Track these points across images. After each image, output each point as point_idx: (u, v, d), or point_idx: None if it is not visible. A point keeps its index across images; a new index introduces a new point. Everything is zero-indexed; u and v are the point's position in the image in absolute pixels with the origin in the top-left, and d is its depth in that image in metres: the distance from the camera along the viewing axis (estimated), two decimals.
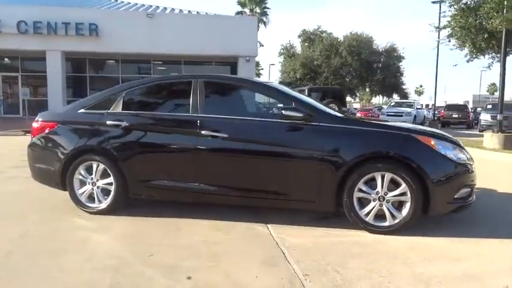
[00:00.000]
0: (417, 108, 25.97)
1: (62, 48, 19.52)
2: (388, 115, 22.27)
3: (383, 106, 32.68)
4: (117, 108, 4.11)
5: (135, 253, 3.03)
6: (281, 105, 3.82)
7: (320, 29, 36.43)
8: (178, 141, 3.85)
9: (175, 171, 3.87)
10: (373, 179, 3.46)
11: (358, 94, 40.86)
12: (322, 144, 3.51)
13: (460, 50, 12.20)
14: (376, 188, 3.44)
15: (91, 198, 4.09)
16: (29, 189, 5.20)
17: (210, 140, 3.72)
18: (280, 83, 23.13)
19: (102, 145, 3.99)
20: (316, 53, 33.28)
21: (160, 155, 3.93)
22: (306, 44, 36.64)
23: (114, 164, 3.95)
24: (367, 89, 36.33)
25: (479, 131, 19.18)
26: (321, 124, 3.57)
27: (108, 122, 3.99)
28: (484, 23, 10.99)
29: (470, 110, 27.49)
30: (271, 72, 44.34)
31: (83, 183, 4.10)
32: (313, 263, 2.85)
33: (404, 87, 36.28)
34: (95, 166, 4.03)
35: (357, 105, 54.42)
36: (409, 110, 23.41)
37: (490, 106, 24.03)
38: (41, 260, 2.91)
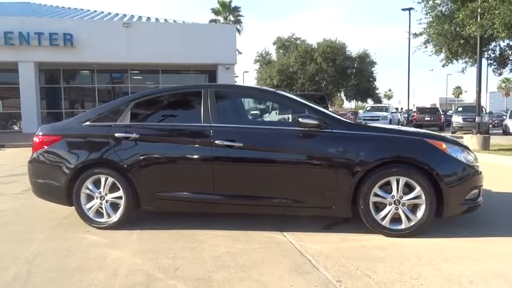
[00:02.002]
0: (392, 112, 26.70)
1: (35, 59, 18.97)
2: (365, 119, 22.77)
3: (359, 111, 33.36)
4: (125, 120, 4.03)
5: (160, 268, 2.97)
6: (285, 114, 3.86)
7: (294, 36, 36.95)
8: (191, 152, 3.81)
9: (189, 182, 3.82)
10: (388, 184, 3.54)
11: (333, 99, 41.53)
12: (337, 151, 3.57)
13: (436, 55, 12.65)
14: (392, 192, 3.52)
15: (99, 213, 3.99)
16: (23, 206, 5.02)
17: (224, 150, 3.70)
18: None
19: (110, 158, 3.90)
20: (291, 59, 33.71)
21: (172, 167, 3.87)
22: (281, 51, 37.05)
23: (123, 177, 3.87)
24: (342, 94, 37.00)
25: (452, 133, 19.94)
26: (334, 131, 3.63)
27: (116, 135, 3.91)
28: (458, 30, 11.47)
29: (441, 113, 28.50)
30: (245, 80, 44.48)
31: (90, 197, 3.99)
32: (342, 269, 2.88)
33: (377, 91, 37.27)
34: (103, 180, 3.93)
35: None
36: (385, 114, 24.05)
37: (460, 109, 25.04)
38: (65, 280, 2.80)
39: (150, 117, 4.12)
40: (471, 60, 13.81)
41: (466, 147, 3.79)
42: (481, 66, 11.20)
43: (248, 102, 4.17)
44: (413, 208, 3.54)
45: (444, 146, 3.58)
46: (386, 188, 3.55)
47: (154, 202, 3.89)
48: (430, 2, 12.15)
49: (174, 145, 3.87)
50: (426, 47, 13.10)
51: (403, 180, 3.49)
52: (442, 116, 27.89)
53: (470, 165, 3.60)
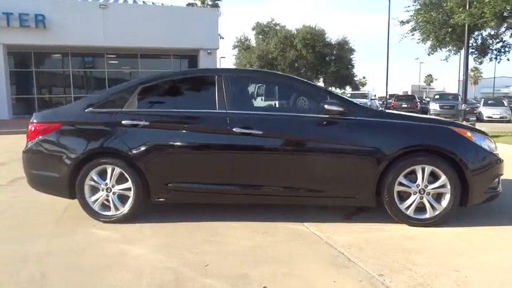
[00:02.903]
0: (371, 99, 27.04)
1: (4, 41, 17.88)
2: None
3: None
4: (132, 106, 3.76)
5: (188, 264, 2.77)
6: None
7: (274, 22, 36.56)
8: (207, 140, 3.59)
9: (204, 171, 3.61)
10: (412, 172, 3.45)
11: None
12: (362, 139, 3.45)
13: (423, 43, 12.75)
14: (417, 181, 3.44)
15: (105, 206, 3.73)
16: (13, 200, 4.66)
17: (242, 138, 3.50)
18: None
19: (118, 147, 3.63)
20: (271, 45, 33.36)
21: (186, 156, 3.65)
22: (260, 36, 36.61)
23: (132, 168, 3.62)
24: (322, 81, 37.09)
25: None
26: (358, 118, 3.50)
27: (124, 122, 3.63)
28: (446, 18, 11.57)
29: (417, 100, 29.10)
30: (222, 65, 43.78)
31: (94, 189, 3.72)
32: (379, 262, 2.78)
33: (356, 79, 37.58)
34: (109, 170, 3.66)
35: None
36: (365, 100, 24.31)
37: (437, 96, 25.62)
38: (86, 280, 2.57)
39: (160, 103, 3.86)
40: (455, 48, 14.04)
41: (487, 135, 3.74)
42: (467, 55, 11.37)
43: (273, 89, 3.90)
44: (438, 197, 3.48)
45: (469, 134, 3.52)
46: (411, 177, 3.46)
47: (166, 193, 3.66)
48: None
49: (187, 133, 3.63)
50: (413, 35, 13.19)
51: (428, 169, 3.41)
52: (418, 103, 28.50)
53: (493, 153, 3.56)
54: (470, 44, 14.83)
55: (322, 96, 3.58)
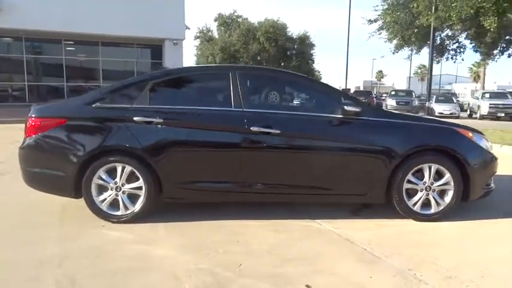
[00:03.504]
0: None
1: None
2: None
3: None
4: (143, 102, 3.64)
5: (221, 265, 2.76)
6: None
7: (236, 14, 36.35)
8: (223, 138, 3.56)
9: (219, 170, 3.59)
10: (419, 170, 3.64)
11: None
12: (374, 138, 3.58)
13: (390, 42, 13.28)
14: (423, 178, 3.63)
15: (113, 205, 3.59)
16: (3, 197, 4.35)
17: (259, 137, 3.51)
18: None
19: (130, 145, 3.51)
20: (234, 38, 33.21)
21: (201, 154, 3.60)
22: (222, 28, 36.29)
23: (144, 166, 3.51)
24: None
25: None
26: (370, 118, 3.63)
27: (136, 119, 3.51)
28: (413, 19, 12.12)
29: (373, 96, 30.34)
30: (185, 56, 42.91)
31: (102, 188, 3.57)
32: (402, 256, 2.93)
33: (316, 74, 38.37)
34: (119, 169, 3.52)
35: None
36: None
37: (393, 92, 26.81)
38: (121, 283, 2.49)
39: (173, 99, 3.75)
40: (416, 48, 14.75)
41: (484, 135, 4.02)
42: (432, 54, 12.01)
43: (287, 88, 3.93)
44: (441, 193, 3.70)
45: (470, 134, 3.76)
46: (417, 174, 3.65)
47: (180, 192, 3.60)
48: None
49: (203, 131, 3.58)
50: (380, 34, 13.71)
51: (434, 167, 3.61)
52: (374, 98, 29.71)
53: (490, 152, 3.84)
54: (427, 44, 15.70)
55: (336, 97, 3.67)
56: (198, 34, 36.68)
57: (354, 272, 2.68)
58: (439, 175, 3.65)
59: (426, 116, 4.06)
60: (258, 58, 33.64)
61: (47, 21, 17.01)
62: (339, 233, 3.40)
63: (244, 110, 3.56)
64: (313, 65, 37.51)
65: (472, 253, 3.02)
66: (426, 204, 3.69)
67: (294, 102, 4.09)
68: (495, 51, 15.27)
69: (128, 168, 3.52)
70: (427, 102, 13.01)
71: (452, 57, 15.86)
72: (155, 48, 20.76)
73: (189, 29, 23.49)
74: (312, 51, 36.35)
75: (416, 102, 22.36)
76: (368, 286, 2.50)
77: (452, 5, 10.02)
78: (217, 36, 35.99)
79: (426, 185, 3.64)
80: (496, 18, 9.28)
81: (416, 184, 3.64)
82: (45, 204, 4.04)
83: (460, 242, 3.25)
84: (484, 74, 36.37)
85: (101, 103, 3.63)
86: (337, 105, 3.56)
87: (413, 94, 27.66)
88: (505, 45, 14.53)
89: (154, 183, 3.54)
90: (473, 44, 14.98)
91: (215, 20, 36.89)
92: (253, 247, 3.10)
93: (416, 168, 3.61)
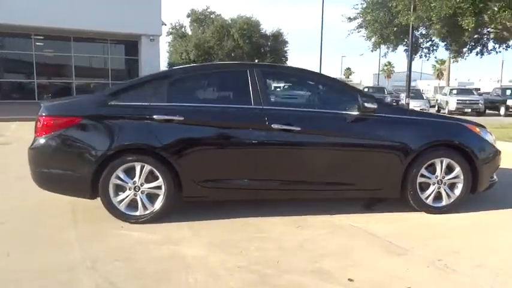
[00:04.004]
0: None
1: None
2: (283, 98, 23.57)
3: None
4: (162, 99, 3.58)
5: (258, 262, 2.77)
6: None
7: (209, 10, 36.04)
8: (244, 135, 3.56)
9: (240, 168, 3.58)
10: (431, 165, 3.78)
11: None
12: (390, 134, 3.69)
13: (369, 40, 13.61)
14: (435, 172, 3.78)
15: (131, 205, 3.52)
16: (3, 197, 4.16)
17: (280, 134, 3.54)
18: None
19: (150, 143, 3.45)
20: (207, 34, 32.91)
21: (222, 152, 3.58)
22: (195, 24, 35.89)
23: (164, 165, 3.46)
24: None
25: None
26: (386, 115, 3.73)
27: (156, 117, 3.44)
28: (392, 18, 12.47)
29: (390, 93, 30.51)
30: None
31: (120, 188, 3.49)
32: (428, 248, 3.05)
33: None
34: (138, 168, 3.45)
35: None
36: (301, 92, 25.23)
37: (366, 89, 27.47)
38: (166, 285, 2.45)
39: (191, 97, 3.71)
40: (392, 46, 15.19)
41: (488, 130, 4.21)
42: (411, 52, 12.41)
43: (305, 86, 3.96)
44: (451, 186, 3.86)
45: (478, 129, 3.95)
46: (430, 169, 3.79)
47: (200, 191, 3.57)
48: None
49: (224, 129, 3.56)
50: (359, 31, 14.02)
51: (446, 161, 3.77)
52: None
53: (495, 146, 4.04)
54: (404, 42, 16.19)
55: (353, 94, 3.75)
56: (170, 30, 36.13)
57: (388, 265, 2.77)
58: (449, 169, 3.81)
59: (437, 113, 4.23)
60: (233, 55, 33.52)
61: (14, 14, 16.21)
62: (359, 228, 3.48)
63: (264, 107, 3.57)
64: (287, 62, 37.77)
65: (490, 243, 3.18)
66: (437, 197, 3.84)
67: (313, 99, 4.13)
68: (464, 50, 15.87)
69: (148, 168, 3.46)
70: (405, 99, 13.49)
71: (425, 55, 16.47)
72: (130, 44, 20.27)
73: (165, 25, 23.09)
74: (285, 48, 36.59)
75: (388, 99, 23.04)
76: (407, 277, 2.59)
77: (431, 5, 10.40)
78: (190, 33, 35.55)
79: (438, 178, 3.79)
80: (474, 18, 9.74)
81: (429, 178, 3.78)
82: (51, 205, 3.92)
83: (475, 231, 3.42)
84: (449, 72, 37.86)
85: (117, 101, 3.54)
86: (354, 102, 3.63)
87: (385, 91, 28.43)
88: (473, 44, 15.15)
89: (174, 182, 3.50)
90: (445, 43, 15.53)
91: (188, 16, 36.48)
92: (284, 244, 3.12)
93: (429, 162, 3.75)
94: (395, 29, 12.58)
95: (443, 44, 15.56)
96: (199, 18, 35.89)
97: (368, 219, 3.69)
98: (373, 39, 13.68)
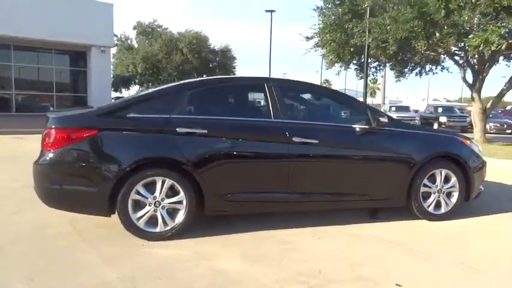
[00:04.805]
0: None
1: None
2: None
3: None
4: (182, 111, 3.51)
5: (301, 274, 2.80)
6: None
7: (156, 23, 35.45)
8: (266, 149, 3.59)
9: (263, 181, 3.60)
10: (432, 175, 4.07)
11: None
12: (399, 147, 3.93)
13: (326, 59, 14.27)
14: (436, 182, 4.08)
15: (149, 222, 3.38)
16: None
17: (300, 147, 3.62)
18: None
19: (172, 157, 3.36)
20: (155, 47, 32.30)
21: (245, 165, 3.57)
22: (141, 36, 35.07)
23: (186, 179, 3.38)
24: None
25: None
26: (393, 129, 3.98)
27: (179, 129, 3.36)
28: (347, 38, 13.24)
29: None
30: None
31: (138, 204, 3.34)
32: (447, 252, 3.28)
33: None
34: (159, 182, 3.34)
35: None
36: None
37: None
38: None
39: (211, 109, 3.67)
40: (345, 65, 16.06)
41: (475, 143, 4.63)
42: (367, 70, 13.21)
43: (319, 101, 4.09)
44: (448, 195, 4.18)
45: (468, 142, 4.33)
46: (430, 179, 4.08)
47: (223, 205, 3.53)
48: (324, 11, 13.65)
49: (246, 142, 3.56)
50: (316, 50, 14.67)
51: (444, 172, 4.09)
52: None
53: (482, 157, 4.45)
54: (355, 62, 17.18)
55: (362, 109, 3.95)
56: (116, 42, 34.83)
57: (422, 269, 2.94)
58: (446, 179, 4.14)
59: (434, 128, 4.56)
60: (180, 68, 33.13)
61: None
62: (376, 236, 3.64)
63: (284, 120, 3.65)
64: None
65: (497, 243, 3.51)
66: (436, 205, 4.13)
67: (326, 113, 4.27)
68: (406, 70, 17.15)
69: (169, 182, 3.35)
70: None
71: (372, 74, 17.62)
72: (78, 55, 19.28)
73: (116, 36, 22.30)
74: (233, 64, 36.95)
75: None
76: (445, 280, 2.77)
77: (387, 27, 11.23)
78: (136, 45, 34.64)
79: (438, 188, 4.09)
80: (425, 41, 10.67)
81: (430, 188, 4.07)
82: (46, 226, 3.64)
83: (479, 236, 3.74)
84: (384, 90, 40.50)
85: (135, 113, 3.41)
86: (366, 116, 3.83)
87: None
88: (414, 65, 16.45)
89: (196, 196, 3.42)
90: (391, 63, 16.72)
91: (134, 29, 35.54)
92: (315, 254, 3.18)
93: (430, 173, 4.04)
94: (351, 49, 13.33)
95: (389, 64, 16.74)
96: (146, 31, 35.15)
97: (380, 228, 3.87)
98: (330, 58, 14.36)
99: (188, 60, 32.73)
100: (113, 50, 35.16)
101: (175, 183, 3.36)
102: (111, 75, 19.26)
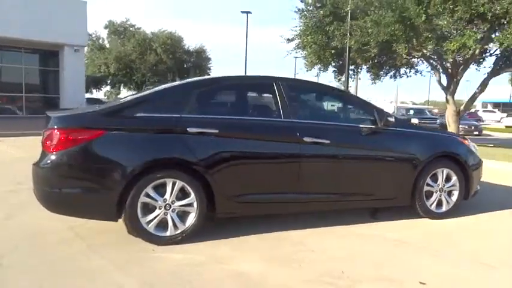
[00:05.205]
0: None
1: None
2: None
3: None
4: (192, 111, 3.40)
5: (323, 274, 2.77)
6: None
7: (129, 22, 34.69)
8: (278, 149, 3.54)
9: (274, 182, 3.54)
10: (434, 174, 4.14)
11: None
12: (404, 147, 3.97)
13: (307, 60, 14.38)
14: (437, 181, 4.15)
15: (158, 226, 3.25)
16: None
17: (311, 147, 3.59)
18: None
19: (184, 157, 3.24)
20: (129, 47, 31.57)
21: (256, 166, 3.51)
22: (113, 36, 34.20)
23: (197, 180, 3.28)
24: None
25: None
26: (401, 129, 4.01)
27: (190, 129, 3.26)
28: (327, 40, 13.38)
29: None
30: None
31: (147, 207, 3.21)
32: (459, 249, 3.35)
33: None
34: (169, 184, 3.22)
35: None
36: None
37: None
38: None
39: (221, 109, 3.60)
40: (323, 67, 16.24)
41: (472, 142, 4.75)
42: (348, 72, 13.39)
43: (327, 101, 4.05)
44: (449, 194, 4.27)
45: (467, 142, 4.44)
46: (432, 178, 4.15)
47: (234, 207, 3.44)
48: (305, 13, 13.75)
49: (257, 142, 3.49)
50: (297, 52, 14.74)
51: (445, 171, 4.17)
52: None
53: (479, 156, 4.56)
54: (333, 64, 17.39)
55: (370, 109, 3.97)
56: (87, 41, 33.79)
57: (441, 266, 2.97)
58: (447, 178, 4.22)
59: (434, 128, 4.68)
60: (154, 68, 32.54)
61: None
62: (384, 236, 3.65)
63: (294, 120, 3.61)
64: None
65: (504, 240, 3.60)
66: (438, 204, 4.21)
67: (335, 113, 4.25)
68: (381, 73, 17.53)
69: (180, 184, 3.23)
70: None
71: (350, 76, 17.89)
72: (49, 54, 18.51)
73: (90, 35, 21.60)
74: (208, 65, 36.67)
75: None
76: (465, 276, 2.82)
77: (369, 31, 11.43)
78: (108, 45, 33.75)
79: (440, 187, 4.16)
80: (406, 45, 10.93)
81: (432, 187, 4.14)
82: (45, 232, 3.44)
83: (486, 232, 3.84)
84: (356, 91, 41.26)
85: (143, 112, 3.27)
86: (373, 116, 3.85)
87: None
88: (389, 68, 16.83)
89: (207, 198, 3.32)
90: (367, 66, 17.04)
91: (105, 28, 34.62)
92: (330, 254, 3.15)
93: (432, 172, 4.11)
94: (332, 51, 13.48)
95: (365, 67, 17.05)
96: (118, 30, 34.32)
97: (384, 228, 3.88)
98: (310, 60, 14.45)
99: (162, 60, 32.19)
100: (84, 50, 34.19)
101: (186, 185, 3.25)
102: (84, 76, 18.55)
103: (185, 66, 35.46)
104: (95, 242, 3.27)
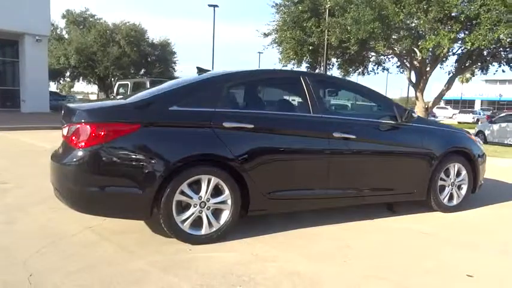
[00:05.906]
0: None
1: None
2: None
3: None
4: (225, 105, 3.28)
5: (369, 268, 2.78)
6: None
7: (89, 12, 33.10)
8: (309, 144, 3.49)
9: (304, 178, 3.50)
10: (446, 169, 4.28)
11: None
12: (423, 142, 4.06)
13: (283, 56, 14.44)
14: (449, 175, 4.30)
15: (194, 224, 3.12)
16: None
17: (339, 142, 3.59)
18: None
19: (220, 153, 3.12)
20: (90, 39, 30.13)
21: (289, 162, 3.44)
22: (74, 26, 32.50)
23: (232, 177, 3.18)
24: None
25: None
26: (414, 124, 4.10)
27: (226, 124, 3.14)
28: (306, 37, 13.51)
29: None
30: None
31: (181, 205, 3.07)
32: (483, 240, 3.47)
33: None
34: (205, 181, 3.09)
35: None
36: None
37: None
38: None
39: (256, 103, 3.49)
40: (297, 63, 16.42)
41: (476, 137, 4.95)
42: (326, 68, 13.58)
43: (350, 96, 4.02)
44: (459, 188, 4.43)
45: (473, 137, 4.63)
46: (445, 172, 4.28)
47: (266, 204, 3.37)
48: (282, 8, 13.79)
49: (290, 137, 3.43)
50: (273, 47, 14.77)
51: (456, 166, 4.32)
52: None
53: (484, 151, 4.76)
54: (306, 59, 17.61)
55: (390, 105, 4.02)
56: None
57: (476, 258, 3.07)
58: (457, 172, 4.37)
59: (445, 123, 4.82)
60: (118, 61, 31.32)
61: None
62: (410, 228, 3.73)
63: (323, 116, 3.58)
64: (175, 72, 37.04)
65: None
66: (449, 197, 4.35)
67: (359, 108, 4.25)
68: (350, 69, 17.97)
69: (215, 181, 3.11)
70: None
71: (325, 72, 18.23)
72: (6, 44, 17.26)
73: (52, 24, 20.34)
74: (173, 58, 35.86)
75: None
76: (503, 266, 2.93)
77: (348, 28, 11.65)
78: (66, 36, 32.03)
79: (451, 181, 4.31)
80: (385, 43, 11.26)
81: (445, 181, 4.28)
82: (67, 235, 3.19)
83: (501, 222, 4.02)
84: None
85: (178, 106, 3.11)
86: (394, 112, 3.90)
87: None
88: (357, 64, 17.29)
89: (242, 195, 3.23)
90: (338, 62, 17.40)
91: (63, 17, 32.81)
92: (368, 250, 3.17)
93: (446, 167, 4.25)
94: (310, 47, 13.62)
95: (336, 63, 17.40)
96: (77, 21, 32.65)
97: (407, 220, 3.98)
98: (287, 55, 14.53)
99: (126, 53, 31.06)
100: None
101: (221, 182, 3.13)
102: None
103: (149, 59, 34.49)
104: (125, 243, 3.08)
